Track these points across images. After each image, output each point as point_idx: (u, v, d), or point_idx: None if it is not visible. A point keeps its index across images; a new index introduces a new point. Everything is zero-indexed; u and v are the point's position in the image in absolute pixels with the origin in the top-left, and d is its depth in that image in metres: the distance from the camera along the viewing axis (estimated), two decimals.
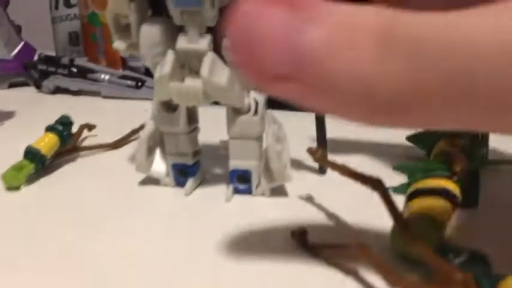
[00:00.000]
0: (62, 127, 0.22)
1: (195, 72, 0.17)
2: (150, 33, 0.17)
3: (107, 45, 0.46)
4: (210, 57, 0.17)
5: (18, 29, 0.46)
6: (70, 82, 0.38)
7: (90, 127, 0.27)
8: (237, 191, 0.20)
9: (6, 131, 0.30)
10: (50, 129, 0.21)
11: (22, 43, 0.41)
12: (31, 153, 0.20)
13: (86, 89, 0.38)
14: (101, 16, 0.45)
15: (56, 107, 0.36)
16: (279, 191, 0.20)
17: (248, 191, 0.20)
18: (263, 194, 0.20)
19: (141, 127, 0.27)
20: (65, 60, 0.39)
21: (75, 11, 0.49)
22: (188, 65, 0.17)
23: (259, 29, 0.10)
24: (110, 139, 0.26)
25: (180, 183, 0.20)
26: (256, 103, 0.19)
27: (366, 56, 0.09)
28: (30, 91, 0.40)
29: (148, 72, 0.41)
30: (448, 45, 0.09)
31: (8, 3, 0.41)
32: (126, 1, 0.17)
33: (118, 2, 0.18)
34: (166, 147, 0.20)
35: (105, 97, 0.37)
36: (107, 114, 0.34)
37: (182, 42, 0.17)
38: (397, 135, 0.25)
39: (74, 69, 0.39)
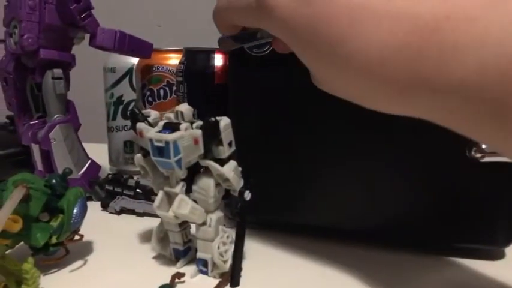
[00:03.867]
0: None
1: None
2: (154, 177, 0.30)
3: None
4: (179, 197, 0.28)
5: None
6: (136, 204, 0.41)
7: (180, 276, 0.28)
8: (201, 272, 0.30)
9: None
10: None
11: (89, 162, 0.44)
12: None
13: (150, 212, 0.40)
14: None
15: (121, 229, 0.38)
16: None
17: (206, 272, 0.29)
18: (214, 276, 0.29)
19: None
20: (132, 182, 0.42)
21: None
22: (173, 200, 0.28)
23: None
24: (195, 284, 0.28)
25: (177, 258, 0.31)
26: (211, 220, 0.29)
27: None
28: (95, 208, 0.42)
29: None
30: None
31: (79, 127, 0.44)
32: (142, 158, 0.29)
33: (138, 159, 0.29)
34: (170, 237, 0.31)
35: None
36: None
37: (166, 187, 0.29)
38: None
39: (139, 191, 0.41)
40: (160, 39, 0.50)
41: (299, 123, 0.33)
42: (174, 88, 0.47)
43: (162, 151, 0.27)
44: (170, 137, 0.26)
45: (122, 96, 0.52)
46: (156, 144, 0.27)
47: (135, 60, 0.50)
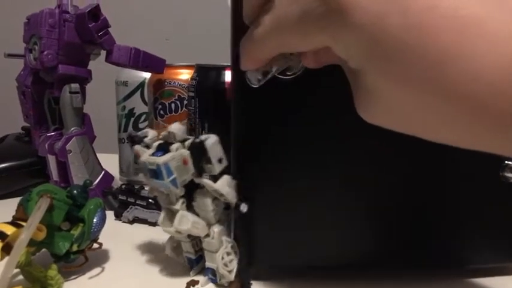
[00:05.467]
0: None
1: None
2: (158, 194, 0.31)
3: None
4: (180, 213, 0.29)
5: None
6: (148, 214, 0.42)
7: (194, 283, 0.30)
8: (210, 280, 0.31)
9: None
10: None
11: (103, 172, 0.46)
12: None
13: None
14: None
15: (135, 237, 0.40)
16: None
17: (215, 281, 0.30)
18: (223, 284, 0.30)
19: None
20: (144, 193, 0.43)
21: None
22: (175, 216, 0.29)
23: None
24: None
25: (191, 266, 0.32)
26: (214, 232, 0.30)
27: None
28: (108, 217, 0.43)
29: None
30: None
31: (94, 139, 0.46)
32: (144, 176, 0.29)
33: (143, 177, 0.30)
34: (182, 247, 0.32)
35: None
36: None
37: (167, 204, 0.30)
38: None
39: (152, 201, 0.43)
40: (168, 53, 0.52)
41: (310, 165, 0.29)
42: (185, 102, 0.48)
43: (155, 173, 0.28)
44: (160, 160, 0.27)
45: (133, 109, 0.54)
46: (149, 167, 0.28)
47: (146, 75, 0.52)
